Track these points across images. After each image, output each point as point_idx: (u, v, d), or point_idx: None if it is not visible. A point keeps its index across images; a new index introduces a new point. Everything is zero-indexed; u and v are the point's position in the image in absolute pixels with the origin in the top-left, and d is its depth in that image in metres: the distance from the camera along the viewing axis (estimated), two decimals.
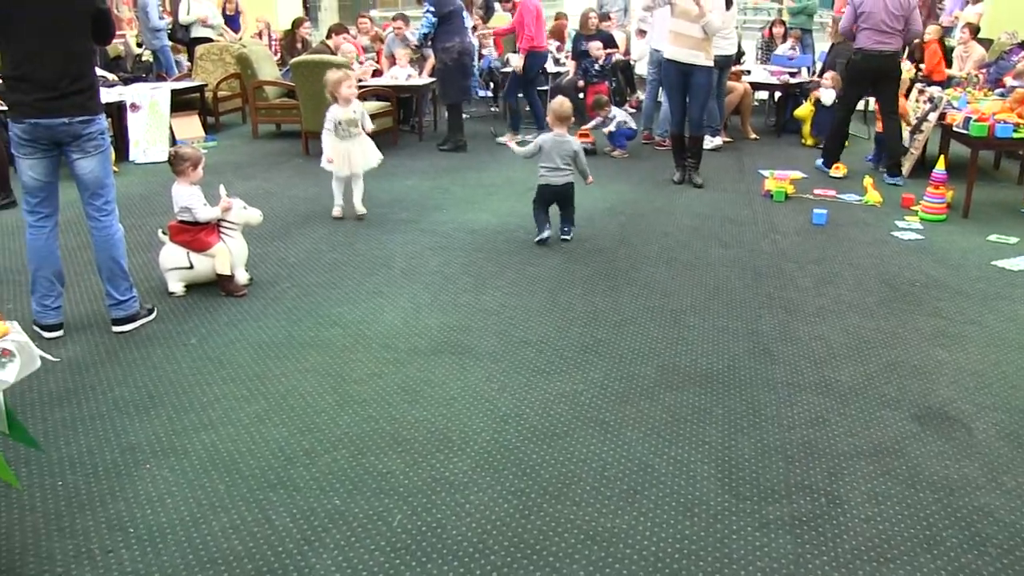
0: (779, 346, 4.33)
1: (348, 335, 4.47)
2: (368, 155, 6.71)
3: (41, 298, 4.46)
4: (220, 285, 5.07)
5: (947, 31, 12.16)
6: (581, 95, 10.81)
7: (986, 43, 11.05)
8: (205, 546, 2.81)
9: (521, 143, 7.03)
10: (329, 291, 5.13)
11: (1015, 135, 6.79)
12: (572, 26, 13.23)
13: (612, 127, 9.02)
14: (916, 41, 10.82)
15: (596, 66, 10.59)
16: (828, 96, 9.43)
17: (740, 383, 3.93)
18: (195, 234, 5.05)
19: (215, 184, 5.31)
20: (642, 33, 11.95)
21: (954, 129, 7.20)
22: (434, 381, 3.94)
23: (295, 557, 2.76)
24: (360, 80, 9.31)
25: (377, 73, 10.60)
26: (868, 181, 7.37)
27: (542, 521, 2.93)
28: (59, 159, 4.35)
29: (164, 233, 5.14)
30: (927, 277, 5.38)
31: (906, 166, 8.10)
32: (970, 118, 6.92)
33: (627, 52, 11.92)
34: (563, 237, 6.14)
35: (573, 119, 6.44)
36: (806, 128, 9.76)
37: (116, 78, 11.13)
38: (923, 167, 7.95)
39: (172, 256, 5.07)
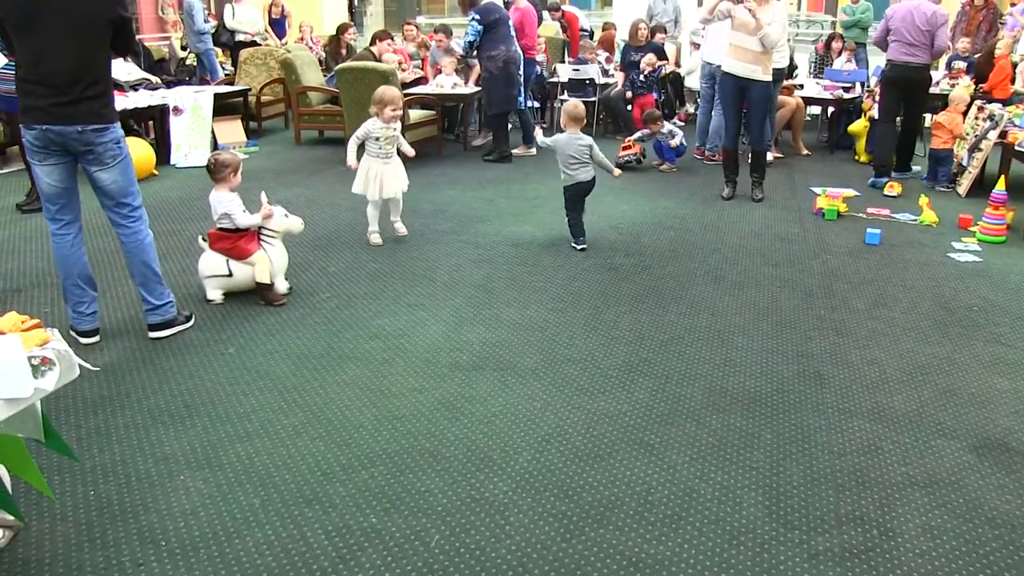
0: (830, 370, 4.26)
1: (388, 348, 4.48)
2: (400, 178, 6.33)
3: (75, 305, 4.50)
4: (259, 294, 5.10)
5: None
6: (629, 107, 10.79)
7: None
8: (238, 562, 2.81)
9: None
10: (370, 302, 5.14)
11: None
12: (620, 36, 13.23)
13: (676, 140, 8.98)
14: (977, 56, 10.67)
15: (640, 77, 10.56)
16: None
17: (789, 407, 3.87)
18: (235, 241, 5.09)
19: (256, 190, 5.36)
20: (696, 46, 11.90)
21: (1016, 148, 7.07)
22: (475, 398, 3.92)
23: (329, 575, 2.75)
24: (404, 86, 9.38)
25: (422, 81, 10.66)
26: (924, 200, 7.25)
27: (583, 545, 2.90)
28: (75, 165, 4.33)
29: (204, 240, 5.19)
30: (985, 301, 5.27)
31: (963, 185, 8.00)
32: None
33: (677, 64, 11.88)
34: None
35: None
36: (860, 144, 9.64)
37: (159, 81, 11.31)
38: (982, 187, 7.82)
39: (211, 263, 5.11)
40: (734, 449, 3.51)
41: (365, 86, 8.83)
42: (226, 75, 13.00)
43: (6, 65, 6.72)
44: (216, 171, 5.12)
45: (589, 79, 10.97)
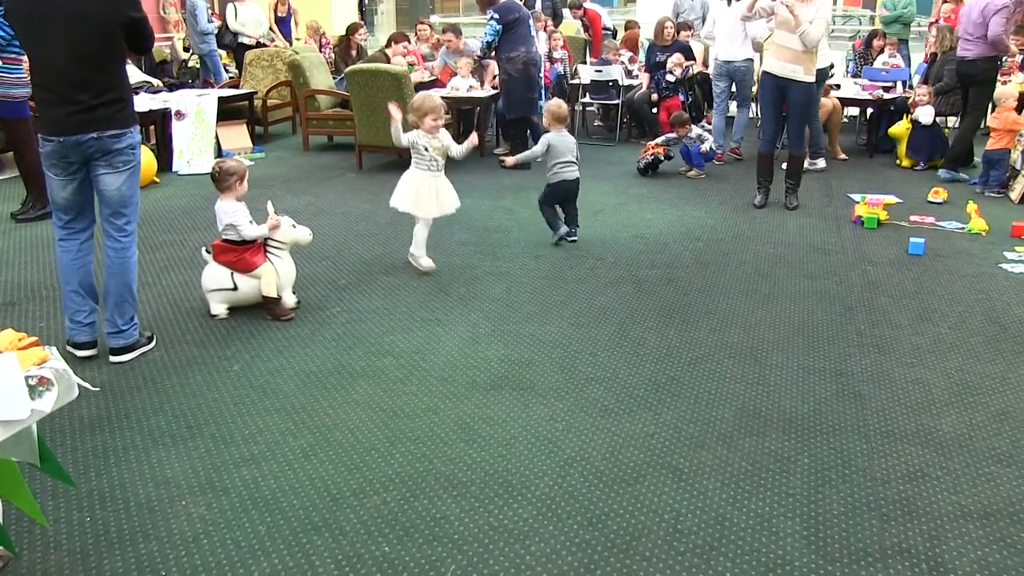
0: (871, 389, 4.23)
1: (401, 366, 4.48)
2: (452, 193, 6.02)
3: (72, 315, 4.57)
4: (265, 308, 5.12)
5: None
6: (654, 109, 10.79)
7: None
8: None
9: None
10: (382, 317, 5.15)
11: None
12: (645, 35, 13.23)
13: (706, 145, 8.97)
14: None
15: (668, 78, 10.56)
16: (927, 114, 9.26)
17: (827, 430, 3.84)
18: (240, 254, 5.11)
19: (262, 199, 5.38)
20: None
21: None
22: (493, 419, 3.92)
23: None
24: (416, 88, 9.41)
25: (436, 83, 10.69)
26: (972, 207, 7.20)
27: None
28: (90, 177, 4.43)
29: (207, 252, 5.21)
30: None
31: (1016, 190, 7.97)
32: None
33: (705, 64, 11.87)
34: (572, 239, 6.59)
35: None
36: (901, 148, 9.60)
37: (161, 84, 11.40)
38: None
39: (215, 277, 5.13)
40: (769, 474, 3.48)
41: (376, 89, 8.88)
42: (230, 78, 13.09)
43: (1, 68, 6.78)
44: (221, 180, 5.14)
45: (612, 81, 10.97)
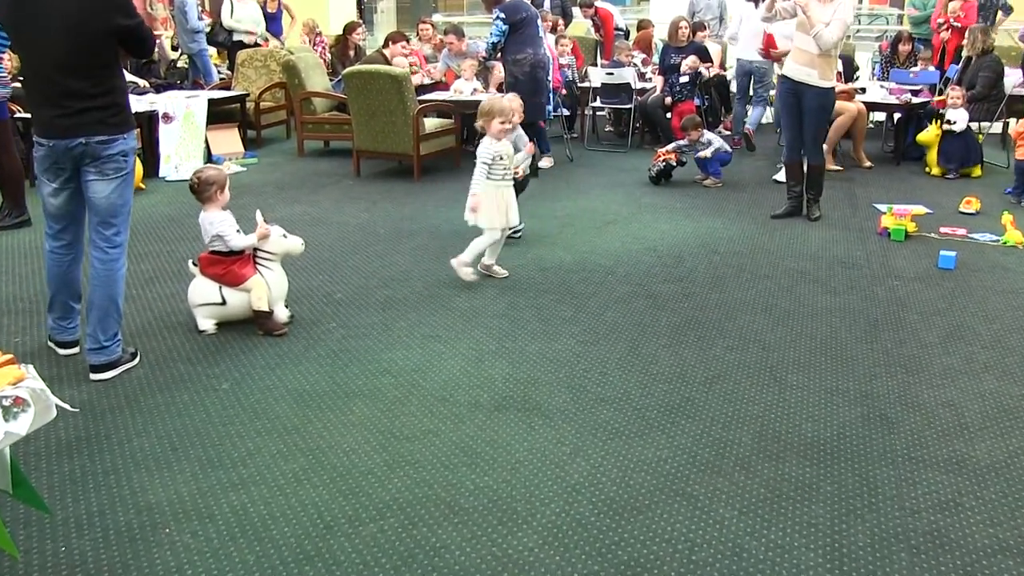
0: (898, 412, 4.22)
1: (400, 385, 4.48)
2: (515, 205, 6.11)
3: (57, 319, 4.71)
4: (257, 323, 5.12)
5: None
6: (668, 114, 10.80)
7: None
8: None
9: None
10: (380, 333, 5.15)
11: None
12: (659, 36, 13.26)
13: (709, 152, 8.97)
14: None
15: (681, 80, 10.57)
16: (961, 117, 9.25)
17: (852, 455, 3.82)
18: (228, 266, 5.12)
19: (254, 207, 5.39)
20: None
21: None
22: (497, 442, 3.91)
23: None
24: (417, 91, 9.44)
25: (439, 86, 10.72)
26: (1008, 218, 7.19)
27: None
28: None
29: (194, 264, 5.22)
30: None
31: None
32: None
33: (723, 66, 11.90)
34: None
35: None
36: (931, 155, 9.58)
37: (147, 84, 11.44)
38: None
39: (202, 290, 5.14)
40: (789, 503, 3.47)
41: (375, 92, 8.91)
42: (221, 79, 13.12)
43: None
44: (201, 190, 5.13)
45: (624, 84, 10.98)
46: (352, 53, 12.03)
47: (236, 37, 13.39)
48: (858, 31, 21.24)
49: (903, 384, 4.53)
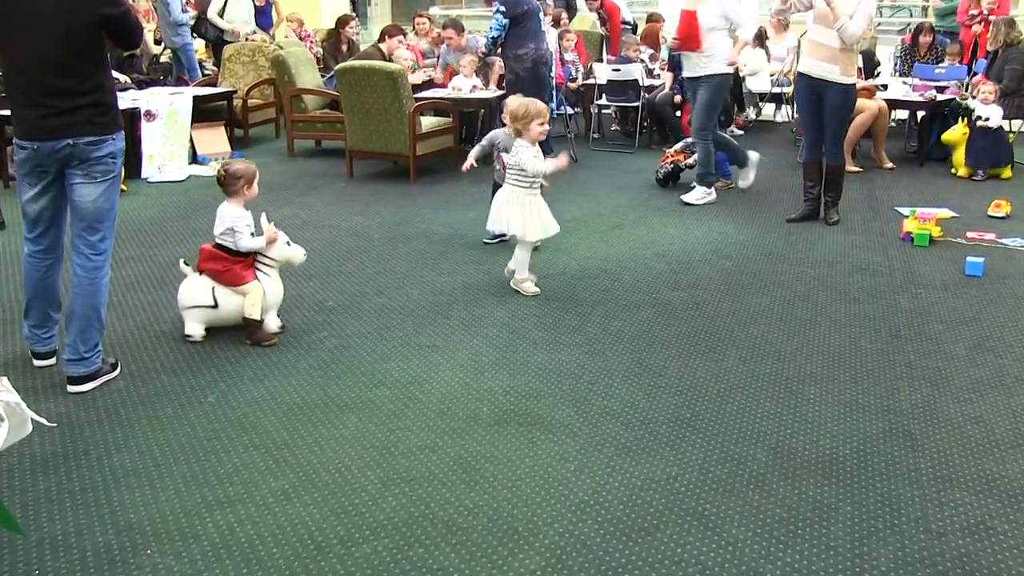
0: (923, 428, 4.21)
1: (396, 397, 4.48)
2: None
3: (34, 328, 4.70)
4: (246, 331, 5.13)
5: None
6: (678, 113, 10.80)
7: None
8: None
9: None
10: (374, 343, 5.15)
11: None
12: (667, 30, 13.26)
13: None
14: None
15: None
16: (995, 114, 9.24)
17: (873, 473, 3.82)
18: (230, 264, 5.13)
19: (255, 210, 5.37)
20: (758, 41, 11.93)
21: None
22: (497, 458, 3.91)
23: None
24: (414, 89, 9.45)
25: (436, 83, 10.73)
26: None
27: None
28: (64, 190, 4.48)
29: (186, 264, 5.23)
30: None
31: None
32: None
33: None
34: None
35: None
36: (958, 155, 9.58)
37: (129, 80, 11.45)
38: None
39: (194, 292, 5.15)
40: (807, 524, 3.47)
41: (370, 89, 8.92)
42: (207, 75, 13.13)
43: None
44: (227, 183, 5.20)
45: (631, 80, 10.99)
46: (345, 48, 12.03)
47: (226, 37, 13.38)
48: (879, 24, 21.23)
49: (928, 398, 4.52)
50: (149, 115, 9.54)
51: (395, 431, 4.14)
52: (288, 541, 3.33)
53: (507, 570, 3.17)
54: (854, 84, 7.48)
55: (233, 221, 5.12)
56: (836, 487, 3.71)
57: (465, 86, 10.09)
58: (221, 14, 13.25)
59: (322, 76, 11.31)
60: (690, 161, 8.96)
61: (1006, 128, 9.72)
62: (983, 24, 11.68)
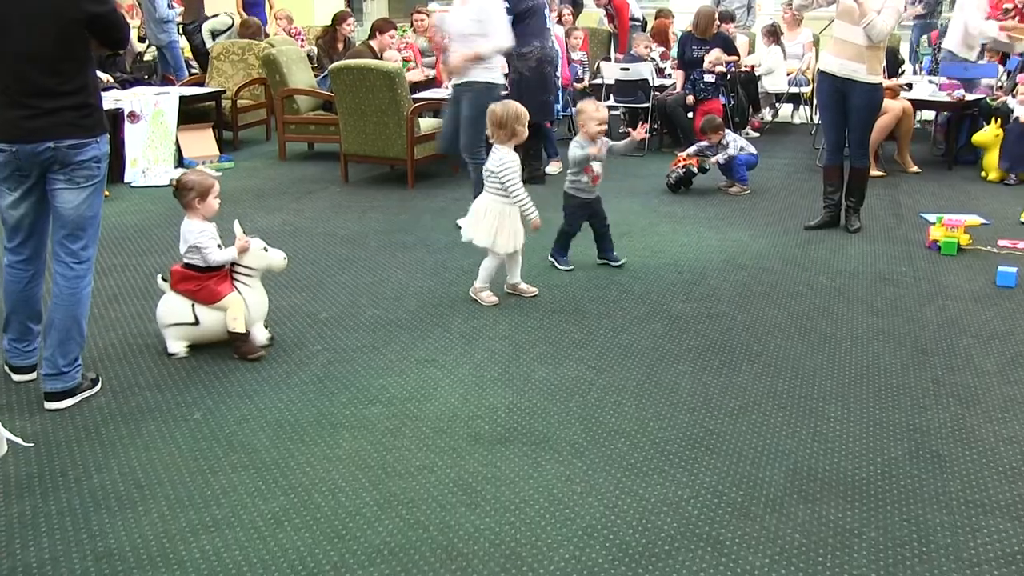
0: (952, 449, 4.20)
1: (392, 415, 4.47)
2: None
3: (14, 341, 4.71)
4: (233, 346, 5.13)
5: None
6: (690, 114, 10.81)
7: None
8: None
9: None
10: (370, 357, 5.15)
11: None
12: (678, 26, 13.29)
13: (722, 157, 8.95)
14: None
15: (707, 77, 10.58)
16: None
17: (899, 497, 3.81)
18: (203, 282, 5.12)
19: (230, 217, 5.38)
20: (772, 37, 11.94)
21: None
22: (499, 479, 3.90)
23: None
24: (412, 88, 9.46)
25: (434, 83, 10.75)
26: None
27: None
28: (46, 196, 4.47)
29: (164, 280, 5.22)
30: None
31: None
32: None
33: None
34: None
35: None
36: (989, 158, 9.57)
37: (111, 80, 11.46)
38: None
39: (172, 309, 5.14)
40: (828, 550, 3.46)
41: (366, 90, 8.93)
42: (194, 74, 13.16)
43: None
44: (180, 195, 5.15)
45: (641, 80, 11.00)
46: (341, 46, 12.06)
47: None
48: (902, 21, 21.27)
49: (957, 417, 4.51)
50: (133, 116, 9.56)
51: (391, 450, 4.13)
52: (278, 567, 3.32)
53: None
54: (880, 83, 7.48)
55: (195, 238, 5.08)
56: (859, 511, 3.70)
57: None
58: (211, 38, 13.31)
59: (316, 76, 11.33)
60: (707, 164, 8.97)
61: None
62: (1019, 18, 11.65)
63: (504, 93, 7.62)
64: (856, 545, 3.48)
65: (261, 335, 5.24)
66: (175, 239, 5.22)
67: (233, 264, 5.19)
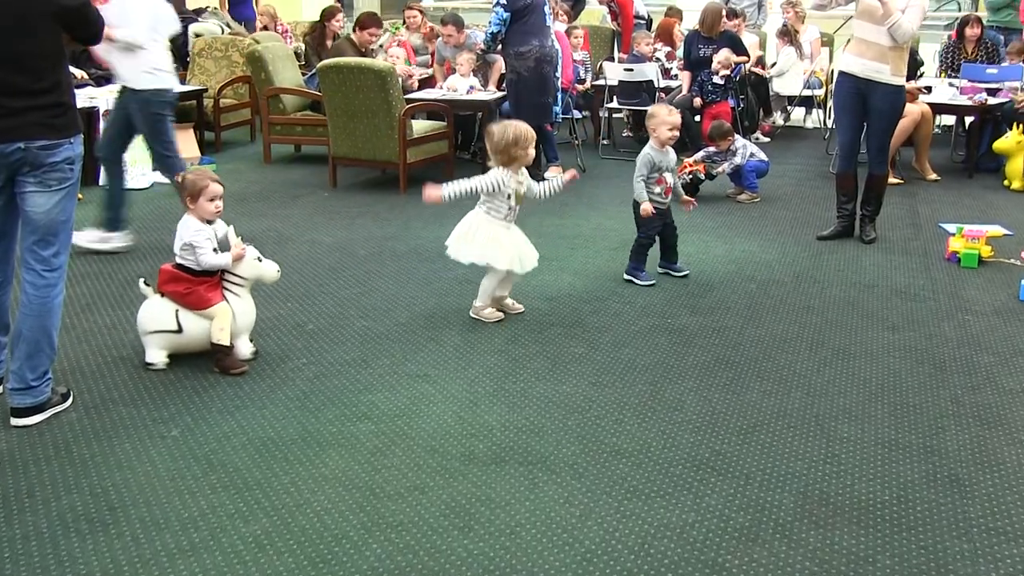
0: (972, 472, 4.20)
1: (382, 433, 4.47)
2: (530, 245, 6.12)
3: None
4: (215, 359, 5.12)
5: None
6: (697, 117, 10.81)
7: None
8: None
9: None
10: (358, 372, 5.15)
11: None
12: (685, 26, 13.30)
13: (728, 167, 8.95)
14: None
15: (715, 79, 10.58)
16: None
17: (915, 523, 3.81)
18: (194, 285, 5.11)
19: (226, 222, 5.37)
20: (787, 38, 11.95)
21: None
22: (494, 501, 3.90)
23: None
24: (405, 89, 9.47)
25: (430, 83, 10.76)
26: None
27: None
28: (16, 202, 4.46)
29: (146, 284, 5.22)
30: None
31: None
32: None
33: (760, 61, 11.95)
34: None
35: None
36: (1012, 166, 9.57)
37: (85, 76, 11.42)
38: None
39: (155, 315, 5.13)
40: None
41: (355, 89, 8.94)
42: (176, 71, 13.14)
43: None
44: (179, 193, 5.18)
45: (645, 82, 11.00)
46: (330, 43, 12.07)
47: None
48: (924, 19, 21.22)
49: (977, 438, 4.51)
50: (108, 115, 9.54)
51: (380, 470, 4.13)
52: None
53: None
54: (904, 85, 7.47)
55: (191, 236, 5.08)
56: (873, 537, 3.70)
57: (461, 86, 10.08)
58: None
59: (303, 74, 11.32)
60: (714, 171, 8.96)
61: None
62: None
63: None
64: (869, 574, 3.48)
65: (245, 348, 5.24)
66: (154, 244, 5.24)
67: (223, 272, 5.19)
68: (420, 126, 9.50)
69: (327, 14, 12.23)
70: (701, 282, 6.67)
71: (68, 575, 3.42)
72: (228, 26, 14.11)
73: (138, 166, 9.47)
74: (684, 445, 4.40)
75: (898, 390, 5.02)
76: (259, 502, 3.88)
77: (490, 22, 9.30)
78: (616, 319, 5.96)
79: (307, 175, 10.08)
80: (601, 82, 11.46)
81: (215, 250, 5.13)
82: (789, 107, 12.76)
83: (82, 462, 4.19)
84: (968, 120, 10.84)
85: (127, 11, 6.92)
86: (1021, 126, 9.51)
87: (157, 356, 5.15)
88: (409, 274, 6.79)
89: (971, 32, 11.72)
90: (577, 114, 11.24)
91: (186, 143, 10.30)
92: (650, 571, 3.46)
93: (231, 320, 5.13)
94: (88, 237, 7.17)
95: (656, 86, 10.97)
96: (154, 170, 9.25)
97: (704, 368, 5.26)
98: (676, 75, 11.59)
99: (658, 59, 11.79)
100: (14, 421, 4.49)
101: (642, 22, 14.08)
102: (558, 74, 9.53)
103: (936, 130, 10.97)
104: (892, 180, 9.32)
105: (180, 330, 5.13)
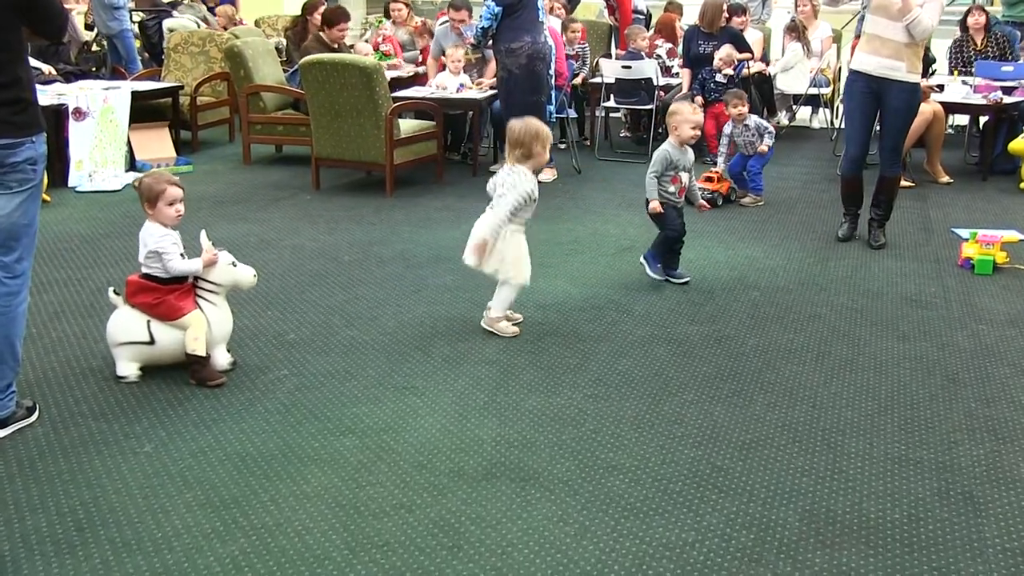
0: (987, 490, 4.21)
1: (367, 448, 4.47)
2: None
3: None
4: (190, 370, 5.12)
5: None
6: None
7: None
8: None
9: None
10: (342, 383, 5.15)
11: None
12: (685, 21, 13.33)
13: (768, 140, 8.90)
14: None
15: (717, 77, 10.59)
16: None
17: (927, 542, 3.81)
18: (163, 295, 5.09)
19: (193, 227, 5.37)
20: (794, 34, 11.97)
21: None
22: (485, 519, 3.90)
23: None
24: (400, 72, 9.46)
25: (419, 80, 10.76)
26: None
27: None
28: None
29: (116, 293, 5.21)
30: None
31: None
32: None
33: (764, 59, 11.97)
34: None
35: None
36: None
37: (54, 72, 11.42)
38: None
39: (126, 326, 5.12)
40: None
41: (340, 87, 8.94)
42: (148, 67, 13.13)
43: None
44: (140, 198, 5.16)
45: (644, 79, 11.01)
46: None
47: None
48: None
49: (992, 454, 4.52)
50: (78, 113, 9.53)
51: (365, 487, 4.13)
52: None
53: None
54: (919, 84, 7.48)
55: (155, 243, 5.05)
56: (883, 558, 3.71)
57: (451, 84, 10.10)
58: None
59: (285, 71, 11.33)
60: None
61: None
62: None
63: None
64: None
65: (223, 359, 5.23)
66: (127, 250, 5.22)
67: (196, 278, 5.18)
68: (408, 125, 9.50)
69: (308, 7, 12.25)
70: (702, 289, 6.68)
71: None
72: (205, 20, 14.14)
73: (110, 168, 9.47)
74: (684, 461, 4.40)
75: (908, 403, 5.03)
76: (237, 521, 3.87)
77: (480, 17, 9.31)
78: (613, 328, 5.97)
79: (289, 177, 10.08)
80: (597, 80, 11.46)
81: (182, 255, 5.12)
82: (795, 106, 12.79)
83: (48, 479, 4.18)
84: (982, 120, 10.86)
85: None
86: None
87: (129, 369, 5.14)
88: (396, 281, 6.79)
89: (974, 21, 11.69)
90: (572, 113, 11.22)
91: (161, 143, 10.33)
92: None
93: (206, 329, 5.11)
94: None
95: (655, 84, 10.97)
96: (127, 171, 9.26)
97: (705, 380, 5.27)
98: (677, 72, 11.60)
99: (659, 56, 11.80)
100: None
101: (641, 17, 14.10)
102: (551, 72, 9.53)
103: (949, 130, 10.99)
104: (903, 183, 9.36)
105: (153, 341, 5.11)
